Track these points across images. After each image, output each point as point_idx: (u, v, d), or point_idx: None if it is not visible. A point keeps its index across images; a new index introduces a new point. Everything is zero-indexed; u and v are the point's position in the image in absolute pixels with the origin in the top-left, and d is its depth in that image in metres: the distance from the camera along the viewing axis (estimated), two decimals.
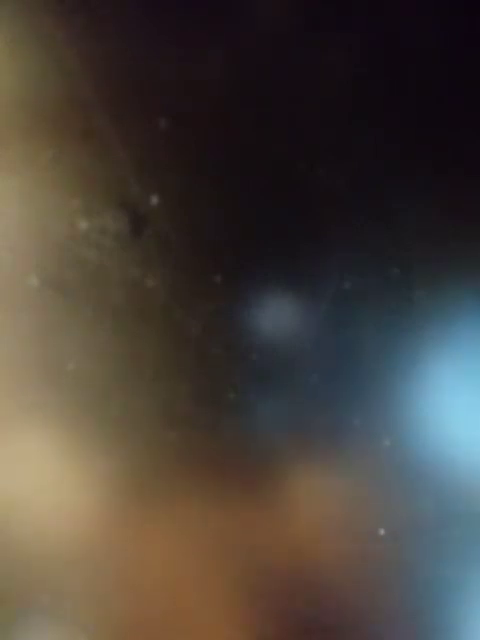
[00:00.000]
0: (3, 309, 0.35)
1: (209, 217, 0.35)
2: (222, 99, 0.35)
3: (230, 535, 0.36)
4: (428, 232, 0.36)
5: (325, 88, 0.36)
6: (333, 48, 0.36)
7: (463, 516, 0.37)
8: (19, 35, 0.35)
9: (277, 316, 0.36)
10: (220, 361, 0.35)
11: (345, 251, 0.36)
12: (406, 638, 0.37)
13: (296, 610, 0.36)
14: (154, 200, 0.35)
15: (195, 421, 0.35)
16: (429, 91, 0.36)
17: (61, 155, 0.35)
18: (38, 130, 0.35)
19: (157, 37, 0.35)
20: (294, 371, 0.36)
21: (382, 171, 0.36)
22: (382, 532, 0.36)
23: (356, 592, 0.37)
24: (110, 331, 0.35)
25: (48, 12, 0.34)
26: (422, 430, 0.36)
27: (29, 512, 0.35)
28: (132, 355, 0.35)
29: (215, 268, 0.35)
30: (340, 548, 0.36)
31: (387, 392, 0.36)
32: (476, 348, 0.37)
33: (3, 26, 0.34)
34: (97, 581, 0.36)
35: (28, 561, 0.35)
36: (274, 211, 0.36)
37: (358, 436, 0.36)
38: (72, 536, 0.35)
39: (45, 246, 0.35)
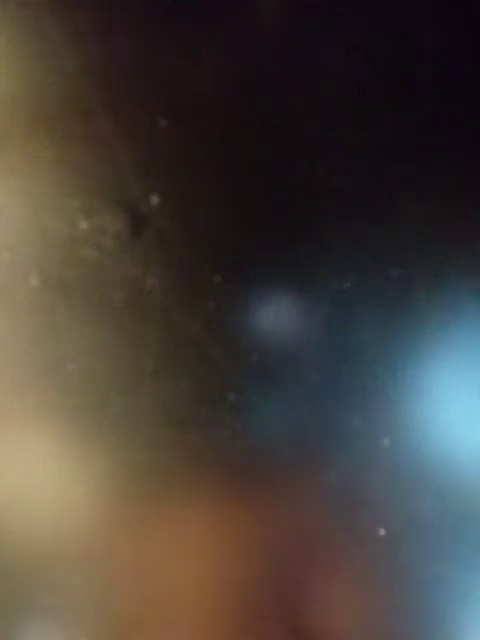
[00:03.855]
0: (3, 309, 0.35)
1: (209, 217, 0.35)
2: (222, 99, 0.35)
3: (230, 535, 0.36)
4: (428, 232, 0.36)
5: (325, 88, 0.36)
6: (333, 48, 0.36)
7: (463, 516, 0.37)
8: (19, 35, 0.35)
9: (277, 316, 0.36)
10: (220, 361, 0.35)
11: (345, 251, 0.36)
12: (406, 638, 0.37)
13: (295, 610, 0.36)
14: (154, 200, 0.35)
15: (195, 421, 0.35)
16: (429, 91, 0.36)
17: (61, 155, 0.35)
18: (38, 130, 0.35)
19: (157, 37, 0.35)
20: (294, 371, 0.36)
21: (382, 171, 0.36)
22: (382, 532, 0.36)
23: (356, 592, 0.37)
24: (110, 331, 0.35)
25: (48, 12, 0.34)
26: (422, 430, 0.36)
27: (29, 512, 0.35)
28: (132, 355, 0.35)
29: (215, 268, 0.35)
30: (340, 548, 0.36)
31: (387, 392, 0.36)
32: (476, 348, 0.37)
33: (3, 26, 0.34)
34: (97, 581, 0.36)
35: (28, 561, 0.35)
36: (274, 211, 0.36)
37: (358, 436, 0.36)
38: (72, 536, 0.35)
39: (45, 246, 0.35)
